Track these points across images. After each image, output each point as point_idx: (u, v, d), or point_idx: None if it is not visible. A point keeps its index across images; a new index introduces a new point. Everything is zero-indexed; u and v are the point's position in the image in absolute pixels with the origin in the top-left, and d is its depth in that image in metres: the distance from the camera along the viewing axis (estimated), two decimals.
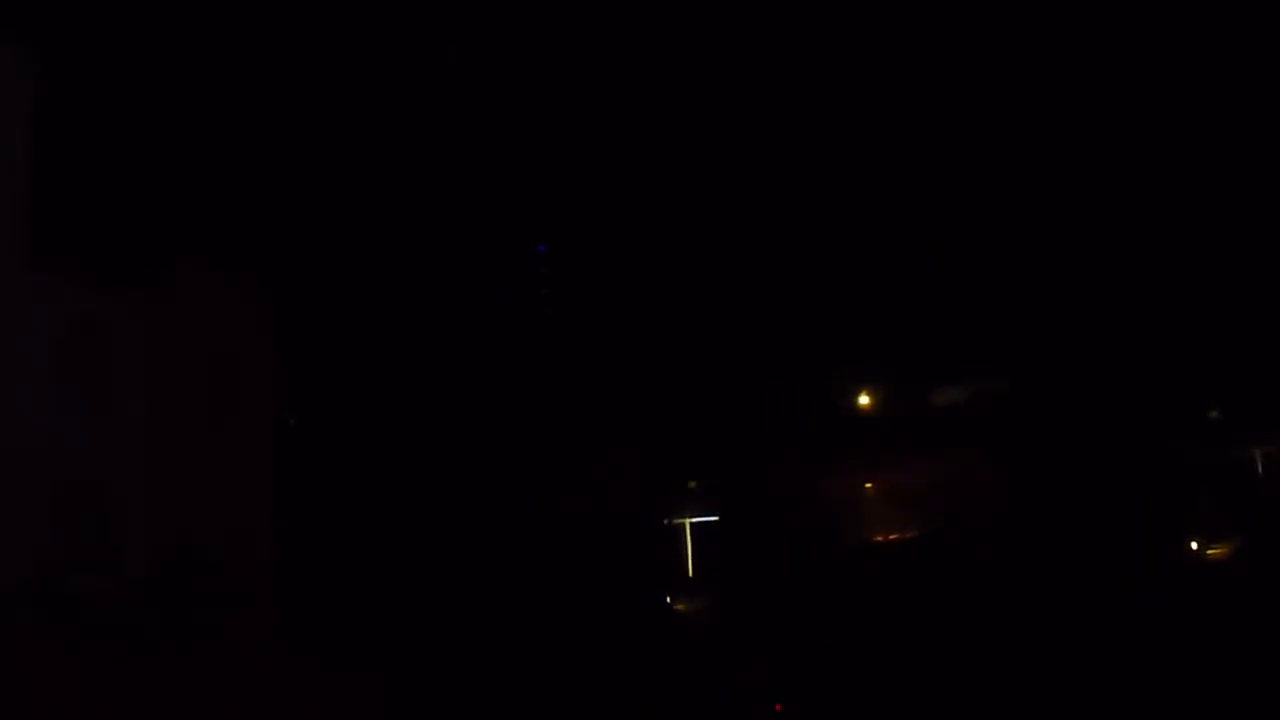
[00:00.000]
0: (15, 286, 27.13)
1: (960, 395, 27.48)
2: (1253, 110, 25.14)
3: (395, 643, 20.78)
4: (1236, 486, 25.76)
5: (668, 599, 24.81)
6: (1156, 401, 25.27)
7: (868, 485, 27.69)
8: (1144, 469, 24.27)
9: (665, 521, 26.66)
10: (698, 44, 27.69)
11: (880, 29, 26.65)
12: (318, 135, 26.25)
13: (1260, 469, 26.40)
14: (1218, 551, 22.89)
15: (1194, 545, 23.05)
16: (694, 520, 27.83)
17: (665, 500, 26.67)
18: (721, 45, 27.42)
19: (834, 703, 17.85)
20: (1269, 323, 25.29)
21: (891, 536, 25.98)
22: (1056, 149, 27.12)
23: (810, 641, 20.11)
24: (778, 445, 27.18)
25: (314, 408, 24.97)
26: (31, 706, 16.31)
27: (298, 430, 25.11)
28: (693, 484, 27.57)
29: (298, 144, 26.33)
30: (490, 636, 20.66)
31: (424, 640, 20.68)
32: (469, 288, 26.50)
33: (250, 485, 26.93)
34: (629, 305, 28.90)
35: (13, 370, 27.38)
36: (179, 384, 26.41)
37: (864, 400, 28.37)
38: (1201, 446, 25.83)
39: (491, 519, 23.99)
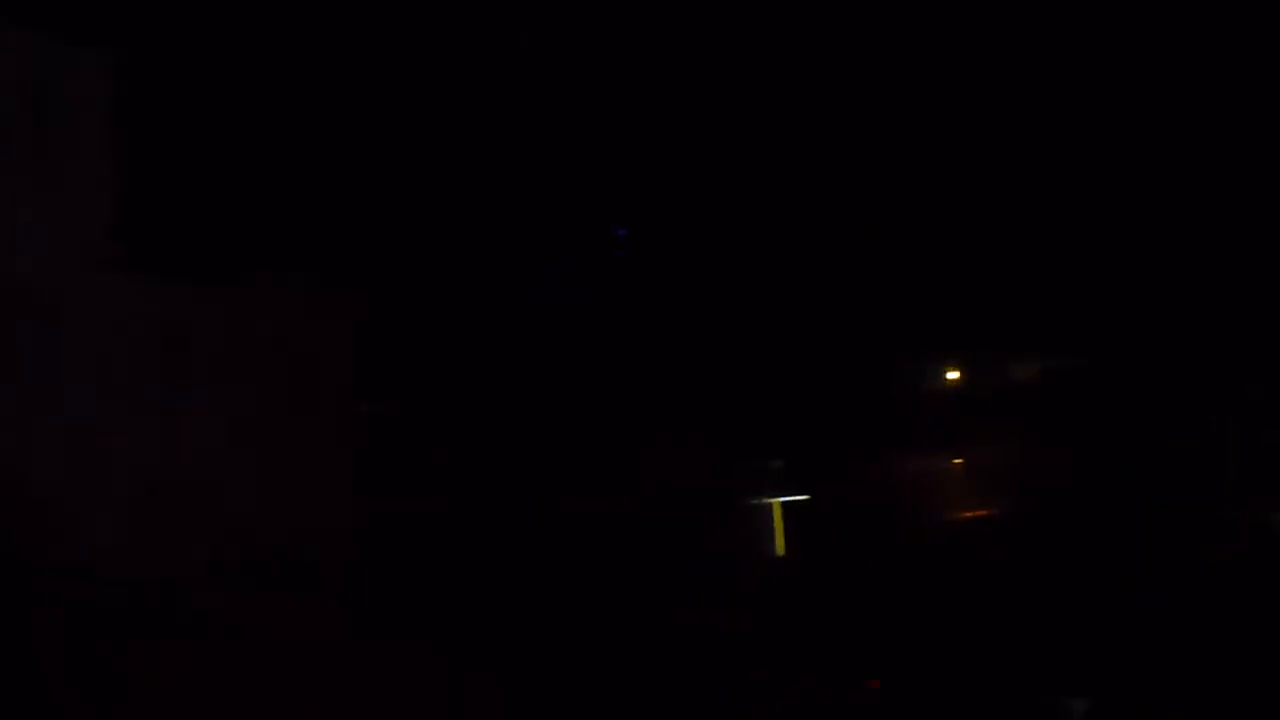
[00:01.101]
0: (107, 289, 28.24)
1: (1046, 369, 27.33)
2: None
3: (490, 630, 21.28)
4: None
5: (755, 578, 25.08)
6: (1251, 378, 24.87)
7: (956, 460, 27.70)
8: (1235, 447, 23.98)
9: (750, 501, 26.89)
10: (777, 25, 27.66)
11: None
12: (394, 129, 26.73)
13: None
14: None
15: None
16: (783, 499, 28.03)
17: (749, 479, 26.92)
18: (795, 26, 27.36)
19: (926, 679, 18.02)
20: None
21: (981, 513, 25.99)
22: (1159, 110, 26.58)
23: (904, 618, 20.27)
24: (866, 421, 27.26)
25: (396, 403, 25.57)
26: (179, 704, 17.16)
27: (381, 426, 25.73)
28: (778, 463, 27.77)
29: (375, 139, 26.86)
30: (579, 619, 21.07)
31: (518, 627, 21.15)
32: (548, 273, 26.90)
33: (335, 481, 27.77)
34: (712, 282, 28.99)
35: (106, 372, 28.53)
36: (264, 383, 27.28)
37: (951, 375, 28.34)
38: None
39: (577, 505, 24.40)
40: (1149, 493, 23.16)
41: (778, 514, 27.93)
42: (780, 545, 27.78)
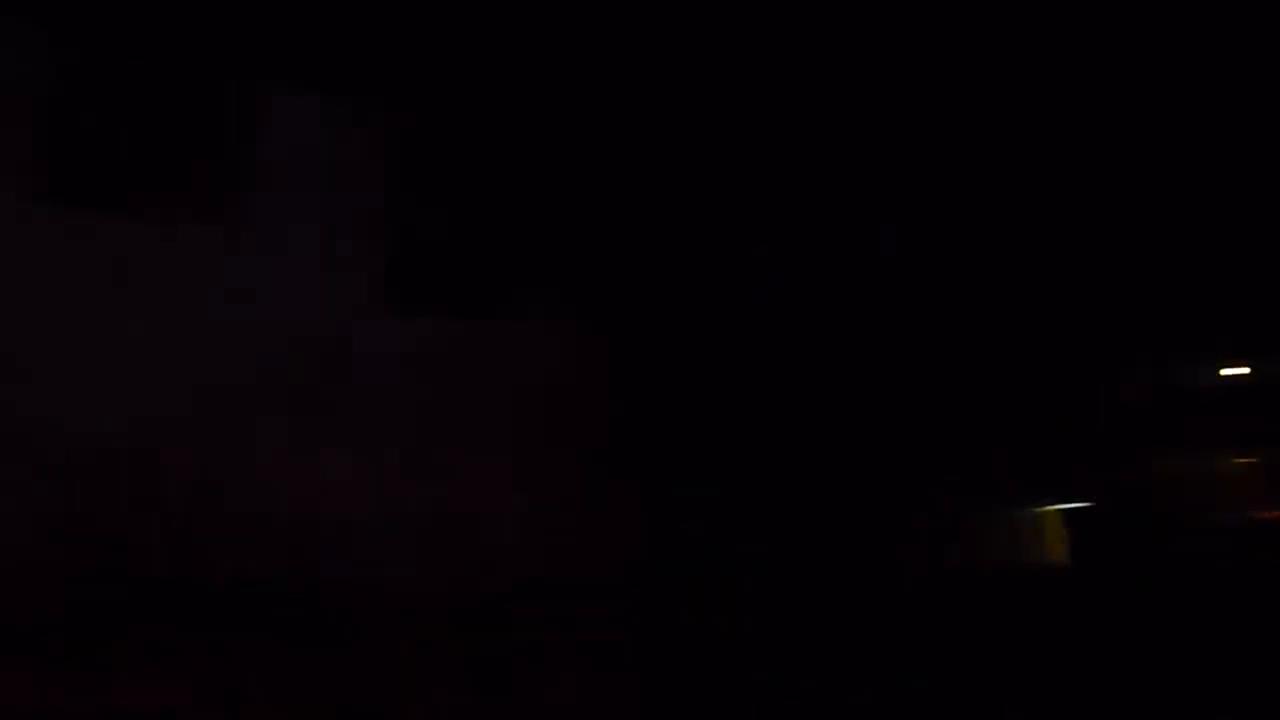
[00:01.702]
0: (366, 321, 29.87)
1: None
2: None
3: (761, 653, 21.40)
4: None
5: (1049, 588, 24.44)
6: None
7: (1240, 461, 26.51)
8: None
9: (1029, 509, 26.30)
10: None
11: None
12: (643, 152, 27.33)
13: None
14: None
15: None
16: (1067, 507, 27.31)
17: (1026, 487, 26.32)
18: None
19: (1232, 681, 17.26)
20: None
21: (1273, 514, 24.80)
22: None
23: (1207, 620, 19.47)
24: (1147, 424, 26.33)
25: (651, 425, 25.99)
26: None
27: (635, 450, 26.17)
28: (1057, 470, 27.07)
29: (620, 165, 27.51)
30: (856, 633, 20.95)
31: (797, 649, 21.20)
32: (803, 291, 26.94)
33: (606, 500, 28.53)
34: (976, 293, 28.51)
35: (367, 403, 30.13)
36: (520, 409, 28.30)
37: (1230, 371, 27.12)
38: None
39: (850, 522, 24.30)
40: None
41: (1056, 522, 27.22)
42: (1061, 554, 27.03)
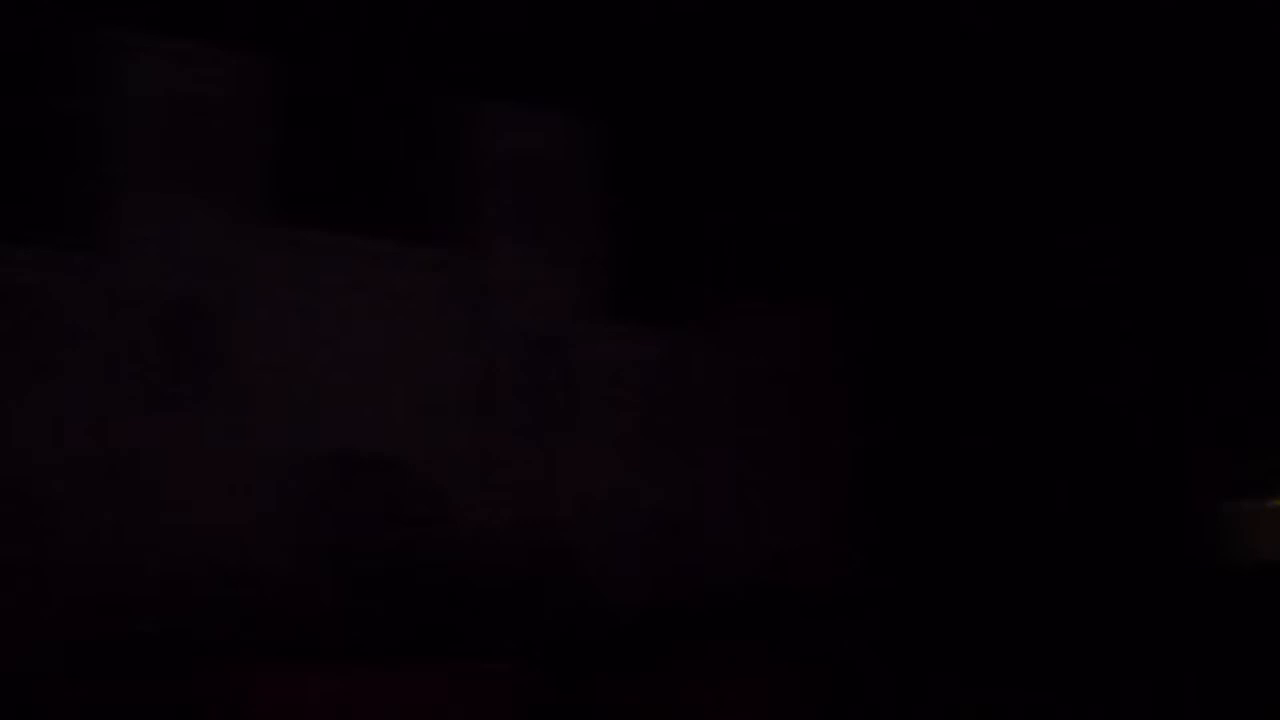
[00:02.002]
0: (596, 336, 30.20)
1: None
2: None
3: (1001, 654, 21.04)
4: None
5: None
6: None
7: None
8: None
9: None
10: None
11: None
12: (873, 157, 27.08)
13: None
14: None
15: None
16: None
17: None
18: None
19: None
20: None
21: None
22: None
23: None
24: None
25: (888, 424, 25.73)
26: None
27: (873, 448, 25.94)
28: None
29: (850, 171, 27.28)
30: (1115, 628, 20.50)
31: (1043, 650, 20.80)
32: (1037, 284, 26.38)
33: (827, 505, 28.40)
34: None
35: (599, 414, 30.52)
36: (750, 411, 28.30)
37: None
38: None
39: (1099, 527, 23.79)
40: None
41: None
42: None
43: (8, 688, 26.38)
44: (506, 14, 33.93)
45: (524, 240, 32.64)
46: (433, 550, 29.01)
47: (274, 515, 31.03)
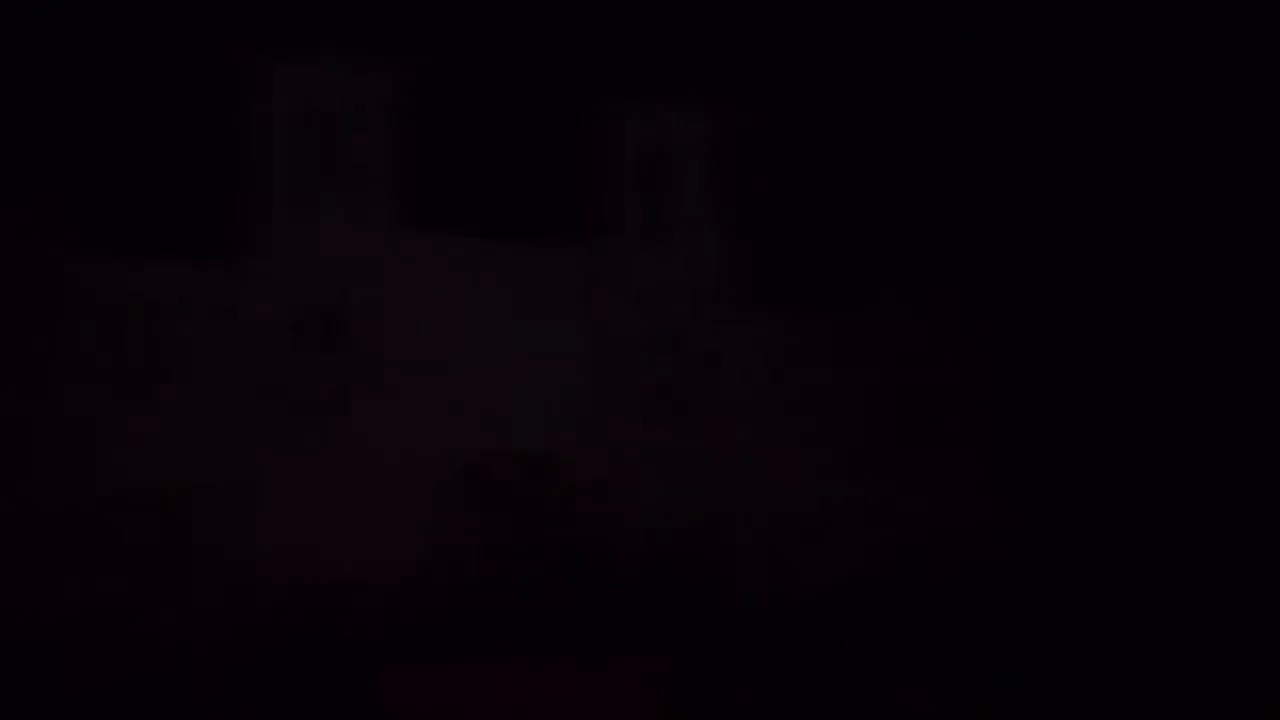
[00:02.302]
0: (735, 327, 30.09)
1: None
2: None
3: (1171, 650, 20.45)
4: None
5: None
6: None
7: None
8: None
9: None
10: None
11: None
12: (1008, 145, 26.57)
13: None
14: None
15: None
16: None
17: None
18: None
19: None
20: None
21: None
22: None
23: None
24: None
25: (1034, 416, 25.19)
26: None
27: (1019, 441, 25.39)
28: None
29: (990, 160, 26.77)
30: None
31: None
32: (1190, 265, 25.64)
33: (972, 495, 27.96)
34: None
35: (739, 405, 30.39)
36: (889, 404, 27.95)
37: None
38: None
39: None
40: None
41: None
42: None
43: (176, 700, 27.17)
44: (634, 6, 33.86)
45: (659, 233, 32.67)
46: (582, 548, 29.21)
47: (427, 517, 31.50)
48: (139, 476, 30.15)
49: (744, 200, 30.00)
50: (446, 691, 21.88)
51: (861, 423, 27.21)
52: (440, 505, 31.66)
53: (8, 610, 27.08)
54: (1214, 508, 24.48)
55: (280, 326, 31.65)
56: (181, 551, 30.03)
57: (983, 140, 27.77)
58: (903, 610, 24.94)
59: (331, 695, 24.37)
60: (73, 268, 30.48)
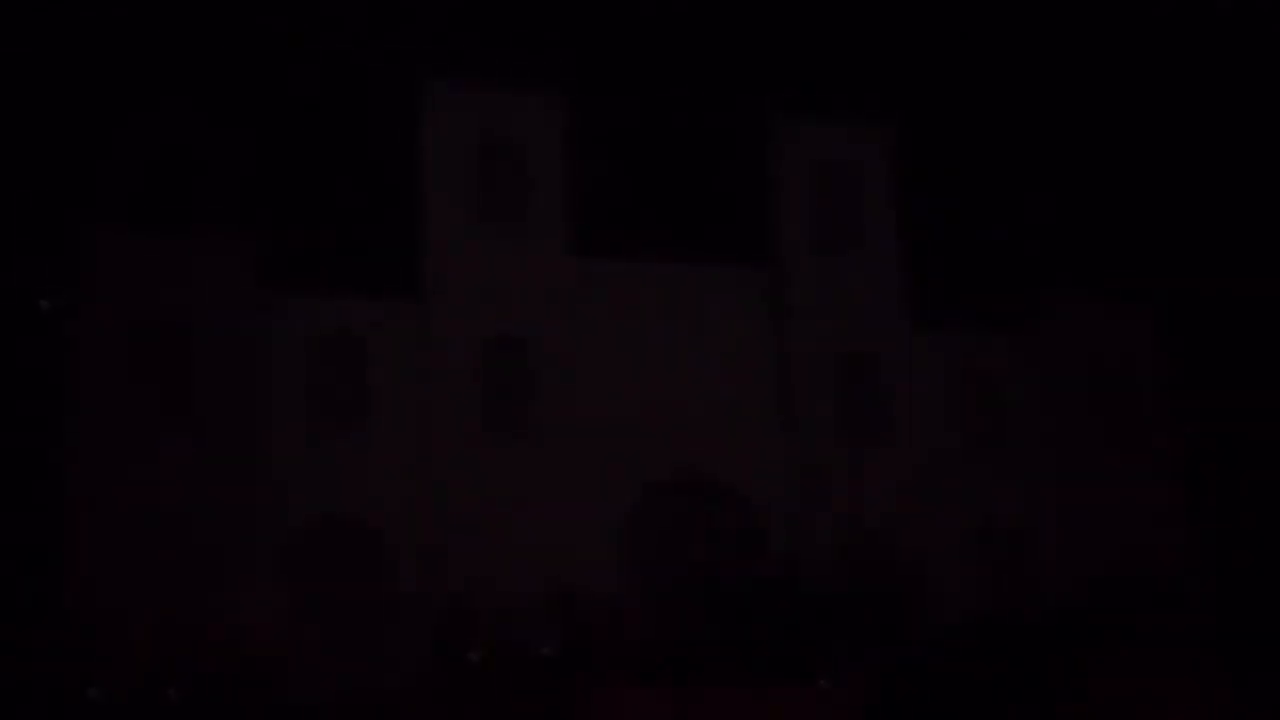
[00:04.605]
0: (904, 344, 30.13)
1: None
2: None
3: None
4: None
5: None
6: None
7: None
8: None
9: None
10: None
11: None
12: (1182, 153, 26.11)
13: None
14: None
15: None
16: None
17: None
18: None
19: None
20: None
21: None
22: None
23: None
24: None
25: (1217, 420, 24.68)
26: None
27: (1204, 445, 24.90)
28: None
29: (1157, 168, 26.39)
30: None
31: None
32: None
33: (1155, 506, 27.52)
34: None
35: (911, 423, 30.43)
36: (1068, 414, 27.67)
37: None
38: None
39: None
40: None
41: None
42: None
43: (361, 712, 28.43)
44: (797, 26, 34.14)
45: (827, 252, 32.83)
46: (761, 569, 29.61)
47: (607, 540, 32.30)
48: (337, 501, 31.58)
49: (911, 219, 30.01)
50: (644, 713, 22.53)
51: (1035, 436, 27.05)
52: (629, 528, 32.41)
53: (233, 626, 28.68)
54: None
55: (456, 358, 32.65)
56: (377, 575, 31.33)
57: (1165, 153, 27.30)
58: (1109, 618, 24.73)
59: (522, 714, 25.19)
60: (277, 303, 32.04)
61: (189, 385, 31.25)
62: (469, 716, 26.79)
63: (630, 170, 37.08)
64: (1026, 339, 26.63)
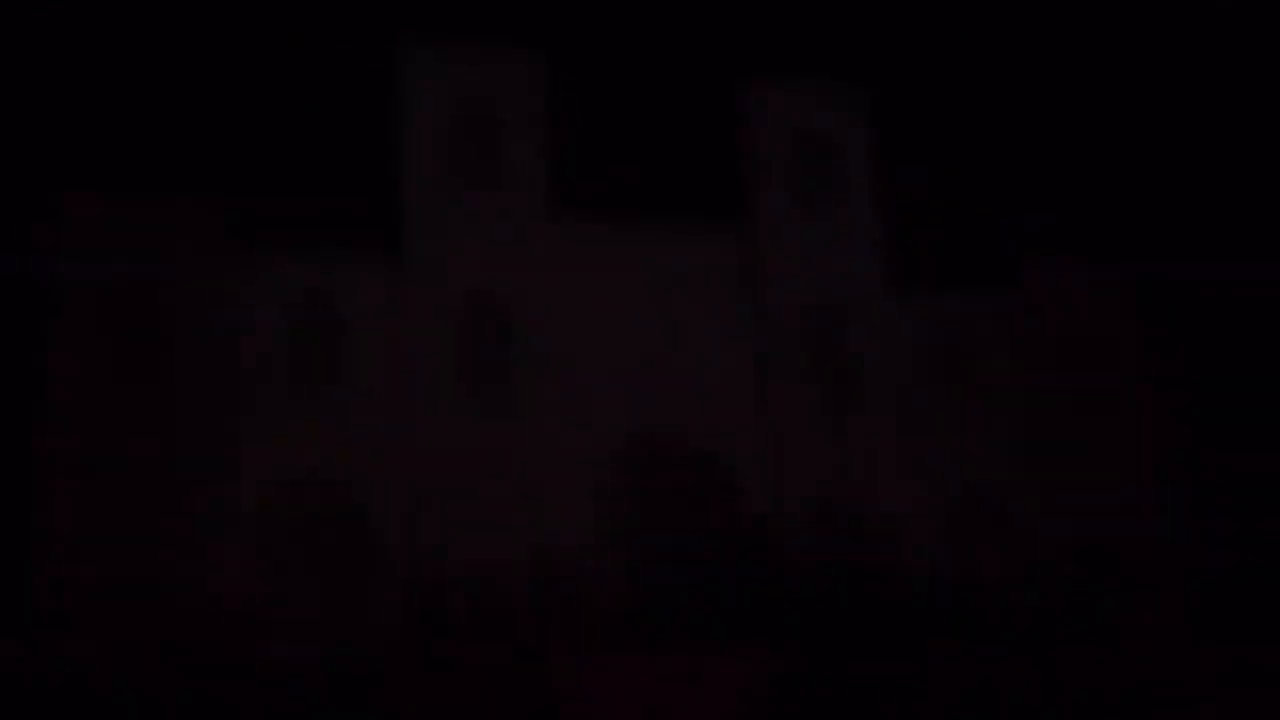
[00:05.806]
0: (879, 308, 30.01)
1: None
2: None
3: None
4: None
5: None
6: None
7: None
8: None
9: None
10: None
11: None
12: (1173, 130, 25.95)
13: None
14: None
15: None
16: None
17: None
18: None
19: None
20: None
21: None
22: None
23: None
24: None
25: (1195, 385, 24.66)
26: None
27: (1181, 408, 24.87)
28: None
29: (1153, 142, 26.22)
30: None
31: None
32: None
33: (1128, 474, 27.54)
34: None
35: (885, 386, 30.34)
36: (1046, 378, 27.62)
37: None
38: None
39: None
40: None
41: None
42: None
43: (347, 682, 28.56)
44: None
45: (803, 216, 32.77)
46: (730, 532, 29.65)
47: (583, 498, 32.37)
48: (314, 462, 31.62)
49: (887, 183, 29.83)
50: (615, 677, 22.59)
51: (1011, 401, 27.02)
52: (603, 487, 32.46)
53: (209, 588, 28.80)
54: None
55: (430, 319, 32.66)
56: (355, 536, 31.41)
57: (1148, 114, 27.15)
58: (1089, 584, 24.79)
59: (499, 678, 25.28)
60: (254, 263, 31.96)
61: (163, 347, 31.18)
62: (445, 676, 26.89)
63: (607, 131, 36.88)
64: (1004, 302, 26.54)
